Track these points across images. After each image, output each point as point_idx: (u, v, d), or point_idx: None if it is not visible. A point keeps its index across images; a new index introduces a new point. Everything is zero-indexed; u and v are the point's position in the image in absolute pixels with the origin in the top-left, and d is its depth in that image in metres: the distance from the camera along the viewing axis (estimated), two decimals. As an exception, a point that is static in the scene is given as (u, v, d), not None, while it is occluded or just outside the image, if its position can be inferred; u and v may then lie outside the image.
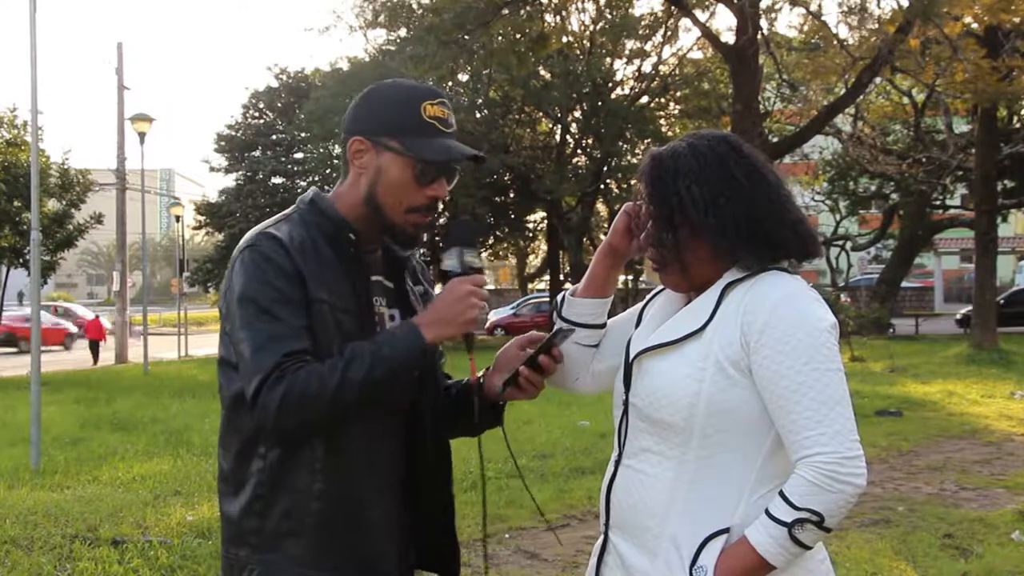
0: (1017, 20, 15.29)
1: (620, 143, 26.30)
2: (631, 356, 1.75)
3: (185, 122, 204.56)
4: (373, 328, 1.76)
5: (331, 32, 39.95)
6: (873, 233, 32.04)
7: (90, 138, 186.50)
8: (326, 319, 1.69)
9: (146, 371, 19.71)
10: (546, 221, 29.84)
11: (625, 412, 1.75)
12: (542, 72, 25.09)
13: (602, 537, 1.78)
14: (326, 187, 1.89)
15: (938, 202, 28.22)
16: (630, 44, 26.09)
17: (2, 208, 18.18)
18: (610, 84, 26.91)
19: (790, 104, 22.20)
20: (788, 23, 49.73)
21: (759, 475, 1.62)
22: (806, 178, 29.08)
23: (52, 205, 19.73)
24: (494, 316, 33.14)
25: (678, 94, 26.97)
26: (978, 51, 15.19)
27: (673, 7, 19.42)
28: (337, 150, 23.71)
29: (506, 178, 26.99)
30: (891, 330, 25.07)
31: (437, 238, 19.34)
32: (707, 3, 20.87)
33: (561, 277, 28.64)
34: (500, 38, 17.87)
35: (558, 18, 22.84)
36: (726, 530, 1.60)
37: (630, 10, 24.91)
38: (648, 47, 26.38)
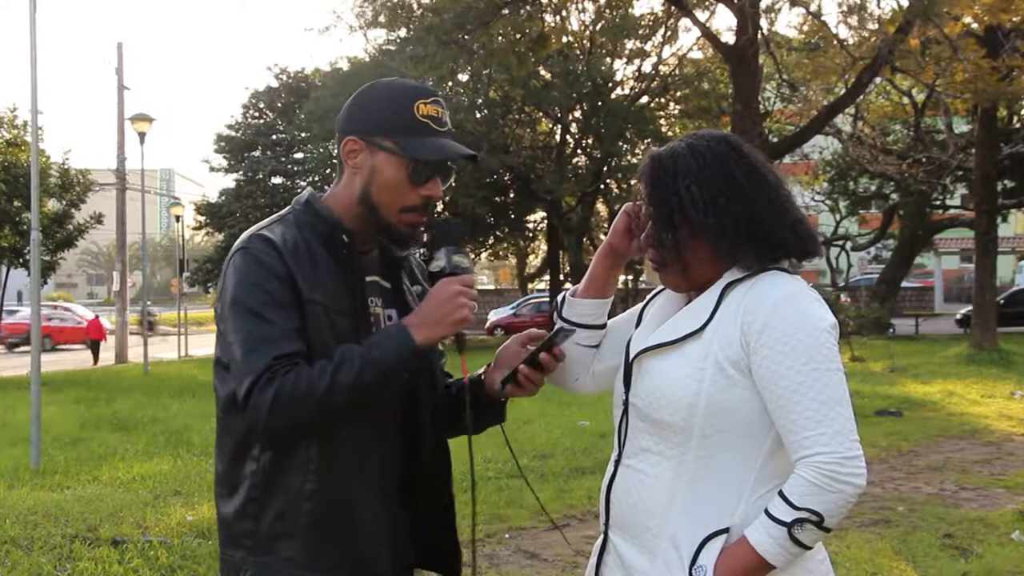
0: (1017, 20, 15.29)
1: (620, 143, 26.29)
2: (631, 356, 1.75)
3: (185, 122, 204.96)
4: (369, 329, 1.75)
5: (331, 32, 39.95)
6: (873, 233, 32.04)
7: (90, 138, 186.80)
8: (320, 321, 1.69)
9: (146, 371, 19.72)
10: (546, 221, 29.83)
11: (625, 412, 1.75)
12: (542, 72, 25.07)
13: (602, 537, 1.79)
14: (325, 187, 1.89)
15: (938, 202, 28.22)
16: (630, 44, 26.08)
17: (2, 208, 18.19)
18: (610, 84, 26.91)
19: (790, 104, 22.21)
20: (788, 23, 49.77)
21: (759, 475, 1.62)
22: (806, 178, 29.08)
23: (52, 205, 19.74)
24: (494, 316, 33.12)
25: (678, 94, 26.96)
26: (978, 51, 15.20)
27: (673, 7, 19.43)
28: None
29: (506, 178, 26.98)
30: (891, 330, 25.07)
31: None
32: (707, 3, 20.85)
33: (561, 277, 28.64)
34: (500, 38, 17.86)
35: (558, 18, 22.82)
36: (726, 530, 1.60)
37: (630, 10, 24.88)
38: (648, 47, 26.38)
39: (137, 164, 22.52)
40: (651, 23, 25.48)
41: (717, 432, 1.61)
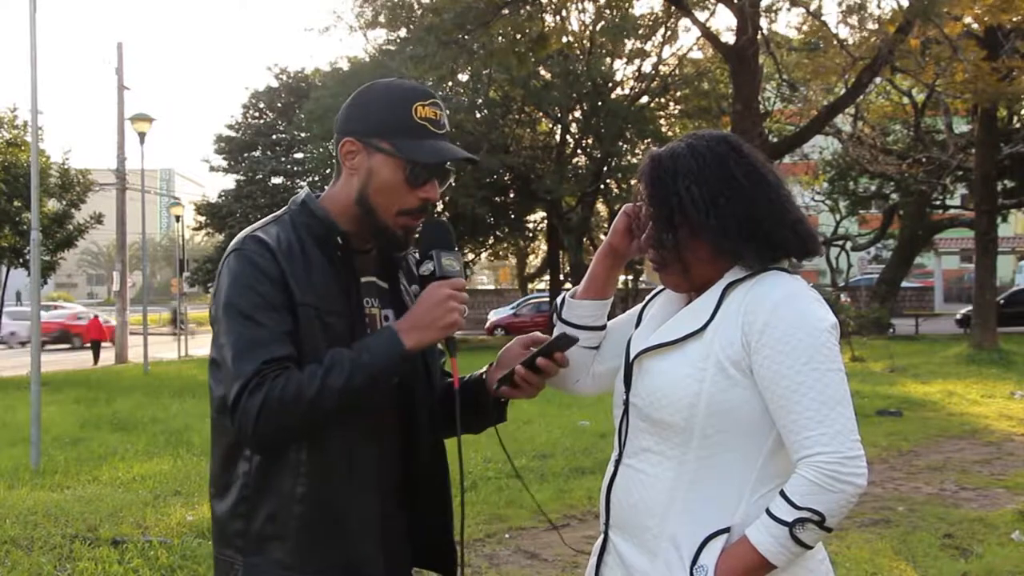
0: (1017, 20, 15.29)
1: (620, 143, 26.29)
2: (632, 356, 1.75)
3: (185, 122, 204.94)
4: (364, 330, 1.75)
5: (331, 32, 40.02)
6: (873, 233, 32.04)
7: (90, 138, 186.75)
8: (312, 324, 1.69)
9: (146, 371, 19.71)
10: (546, 221, 29.84)
11: (625, 412, 1.75)
12: (542, 72, 25.07)
13: (602, 537, 1.79)
14: (325, 187, 1.88)
15: (938, 202, 28.22)
16: (630, 44, 26.06)
17: (2, 208, 18.18)
18: (610, 84, 26.91)
19: (790, 104, 22.21)
20: (788, 23, 49.71)
21: (760, 475, 1.62)
22: (806, 178, 29.08)
23: (52, 205, 19.73)
24: (494, 316, 33.14)
25: (678, 94, 26.97)
26: (978, 51, 15.20)
27: (673, 7, 19.43)
28: (338, 150, 23.64)
29: (506, 178, 26.99)
30: (891, 330, 25.07)
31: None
32: (707, 3, 20.86)
33: (561, 277, 28.64)
34: (500, 38, 17.85)
35: (558, 18, 22.82)
36: (726, 530, 1.60)
37: (630, 10, 24.87)
38: (648, 47, 26.38)
39: (137, 164, 22.52)
40: (651, 23, 25.47)
41: (718, 432, 1.61)
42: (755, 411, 1.60)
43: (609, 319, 1.93)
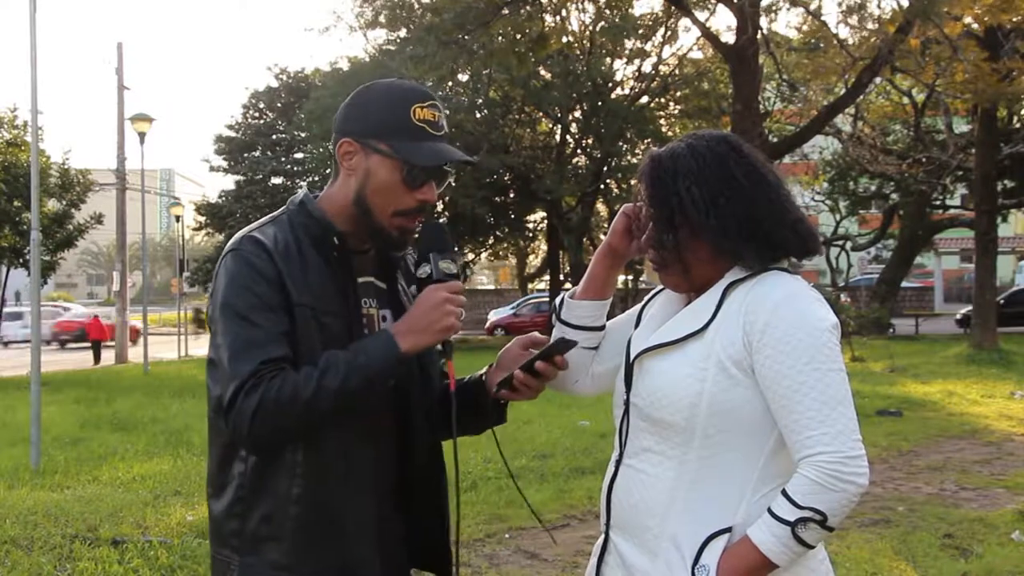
0: (1017, 20, 15.29)
1: (620, 143, 26.29)
2: (632, 356, 1.75)
3: (185, 122, 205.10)
4: (361, 331, 1.75)
5: (331, 32, 39.99)
6: (873, 233, 32.04)
7: (90, 138, 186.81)
8: (308, 324, 1.68)
9: (146, 371, 19.71)
10: (546, 221, 29.83)
11: (626, 412, 1.75)
12: (542, 72, 25.07)
13: (602, 537, 1.78)
14: (324, 187, 1.88)
15: (938, 202, 28.22)
16: (630, 44, 26.07)
17: (2, 208, 18.18)
18: (610, 84, 26.91)
19: (790, 104, 22.21)
20: (788, 23, 49.76)
21: (761, 474, 1.62)
22: (806, 178, 29.08)
23: (52, 205, 19.74)
24: (494, 316, 33.15)
25: (678, 94, 26.96)
26: (978, 51, 15.20)
27: (673, 7, 19.43)
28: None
29: (506, 178, 26.98)
30: (891, 330, 25.07)
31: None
32: (707, 3, 20.86)
33: (561, 277, 28.63)
34: (500, 38, 17.85)
35: (558, 18, 22.83)
36: (728, 529, 1.60)
37: (630, 10, 24.88)
38: (648, 47, 26.38)
39: (137, 164, 22.51)
40: (651, 23, 25.48)
41: (719, 432, 1.61)
42: (757, 411, 1.60)
43: (608, 319, 1.93)
